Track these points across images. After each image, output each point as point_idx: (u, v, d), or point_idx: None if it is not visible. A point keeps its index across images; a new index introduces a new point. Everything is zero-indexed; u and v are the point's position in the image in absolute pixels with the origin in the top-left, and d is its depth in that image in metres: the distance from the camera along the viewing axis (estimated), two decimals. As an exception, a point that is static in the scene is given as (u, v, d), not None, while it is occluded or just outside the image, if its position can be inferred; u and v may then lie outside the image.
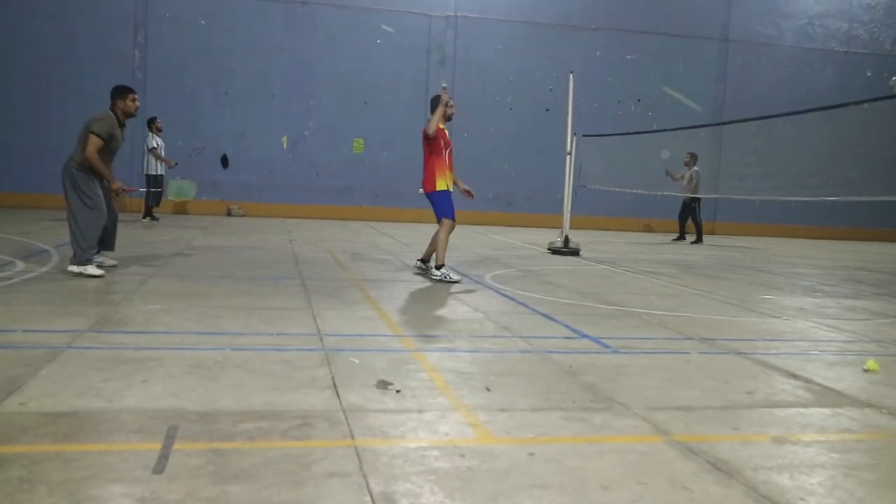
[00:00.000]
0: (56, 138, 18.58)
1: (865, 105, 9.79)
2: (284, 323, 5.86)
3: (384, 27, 19.94)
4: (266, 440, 3.25)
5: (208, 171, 17.51)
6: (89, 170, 7.73)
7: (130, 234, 12.50)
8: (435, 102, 8.88)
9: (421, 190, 8.95)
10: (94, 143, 7.71)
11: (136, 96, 8.32)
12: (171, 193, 9.57)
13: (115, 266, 8.20)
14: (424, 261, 9.23)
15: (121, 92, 8.20)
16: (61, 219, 8.66)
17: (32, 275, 7.61)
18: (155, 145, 15.67)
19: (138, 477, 2.79)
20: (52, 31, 18.57)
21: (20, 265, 8.19)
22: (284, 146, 20.03)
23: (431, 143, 8.75)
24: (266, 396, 3.86)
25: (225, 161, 16.28)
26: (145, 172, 15.76)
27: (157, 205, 15.93)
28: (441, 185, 8.80)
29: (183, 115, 19.04)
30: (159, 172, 15.76)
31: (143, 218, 15.58)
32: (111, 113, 8.09)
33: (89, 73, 18.71)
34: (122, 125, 8.20)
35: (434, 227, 8.96)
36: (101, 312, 5.84)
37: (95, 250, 7.89)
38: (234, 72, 19.58)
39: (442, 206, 8.86)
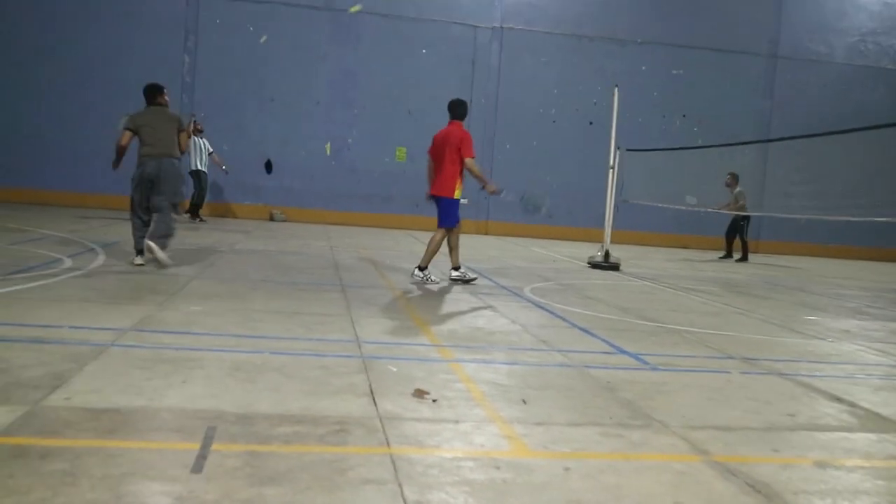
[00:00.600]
0: (103, 139, 19.00)
1: (918, 125, 9.62)
2: (323, 329, 5.90)
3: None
4: (302, 444, 3.27)
5: (252, 176, 17.73)
6: None
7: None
8: (464, 109, 9.54)
9: (465, 200, 9.16)
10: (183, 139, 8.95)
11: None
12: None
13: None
14: (422, 268, 9.11)
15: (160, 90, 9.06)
16: (110, 217, 8.90)
17: (80, 272, 7.75)
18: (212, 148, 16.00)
19: (176, 475, 2.82)
20: (102, 33, 18.90)
21: (68, 262, 8.35)
22: (328, 153, 20.17)
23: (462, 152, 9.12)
24: (303, 401, 3.88)
25: (269, 166, 16.49)
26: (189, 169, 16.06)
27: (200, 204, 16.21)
28: (458, 193, 9.17)
29: (229, 119, 19.27)
30: (202, 168, 16.10)
31: (193, 217, 16.01)
32: None
33: (139, 76, 18.93)
34: None
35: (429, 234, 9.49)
36: (144, 312, 5.93)
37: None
38: (280, 78, 19.79)
39: (453, 213, 9.18)
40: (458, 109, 9.42)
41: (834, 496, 3.17)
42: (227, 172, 16.78)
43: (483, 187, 9.86)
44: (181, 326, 5.56)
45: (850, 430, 4.21)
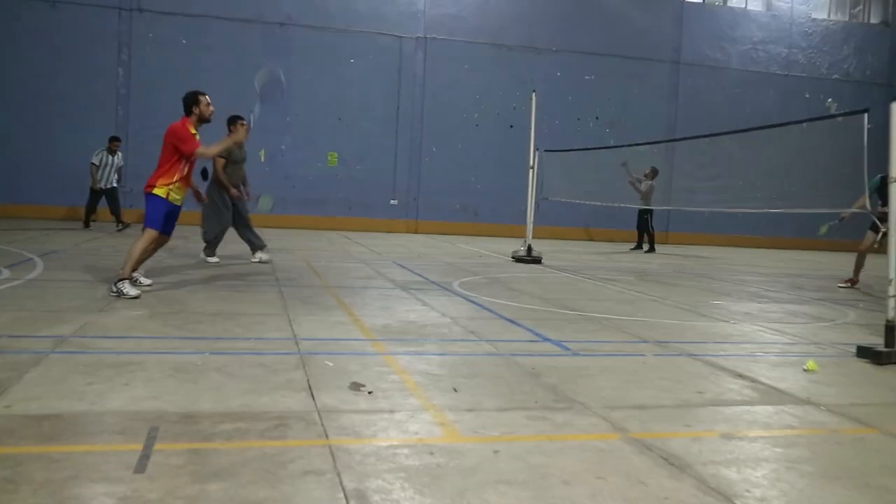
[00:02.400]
0: (43, 153, 18.43)
1: (805, 124, 9.94)
2: (262, 328, 5.82)
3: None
4: (244, 440, 3.22)
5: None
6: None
7: (111, 242, 12.35)
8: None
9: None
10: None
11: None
12: (260, 205, 10.78)
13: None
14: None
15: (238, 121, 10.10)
16: (46, 228, 8.65)
17: (18, 282, 7.48)
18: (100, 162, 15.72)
19: (120, 476, 2.75)
20: (36, 47, 18.33)
21: (5, 273, 8.04)
22: (262, 159, 19.89)
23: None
24: (244, 398, 3.83)
25: (204, 174, 16.12)
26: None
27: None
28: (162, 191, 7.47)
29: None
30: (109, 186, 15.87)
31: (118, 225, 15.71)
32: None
33: (75, 89, 18.54)
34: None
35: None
36: (84, 319, 5.75)
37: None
38: (215, 89, 19.16)
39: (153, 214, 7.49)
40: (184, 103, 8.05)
41: (738, 465, 3.26)
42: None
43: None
44: (122, 331, 5.43)
45: (751, 403, 4.33)
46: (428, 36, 20.90)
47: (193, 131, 7.72)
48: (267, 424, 3.44)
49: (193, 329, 5.63)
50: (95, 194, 15.76)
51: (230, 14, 19.51)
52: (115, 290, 6.86)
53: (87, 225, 15.84)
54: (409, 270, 10.42)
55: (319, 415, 3.62)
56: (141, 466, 2.85)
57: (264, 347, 5.11)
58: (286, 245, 13.91)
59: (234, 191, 10.30)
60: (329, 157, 20.24)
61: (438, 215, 20.91)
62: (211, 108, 8.16)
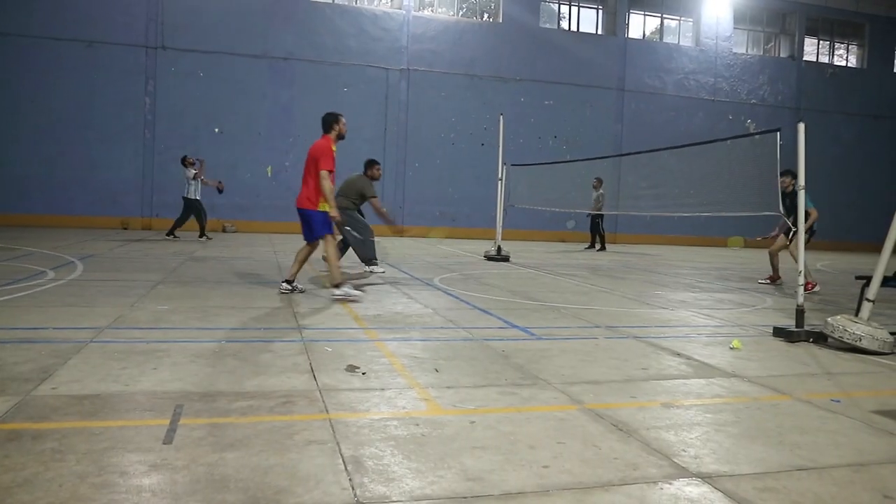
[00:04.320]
0: (80, 170, 18.24)
1: (728, 142, 10.04)
2: (270, 320, 5.79)
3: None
4: (256, 415, 3.21)
5: (207, 196, 17.15)
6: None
7: (141, 248, 12.23)
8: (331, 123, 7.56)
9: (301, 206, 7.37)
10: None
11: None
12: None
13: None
14: (290, 281, 7.42)
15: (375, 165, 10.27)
16: (84, 237, 8.52)
17: (61, 282, 7.40)
18: (192, 175, 14.94)
19: (151, 447, 2.74)
20: (74, 80, 18.24)
21: (51, 274, 7.95)
22: (269, 174, 19.82)
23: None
24: (256, 380, 3.81)
25: (220, 188, 16.02)
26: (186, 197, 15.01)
27: (180, 225, 15.23)
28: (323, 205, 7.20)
29: (186, 150, 18.58)
30: (198, 197, 15.06)
31: (200, 237, 14.93)
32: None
33: (108, 117, 18.41)
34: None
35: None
36: (117, 313, 5.70)
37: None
38: (228, 114, 19.33)
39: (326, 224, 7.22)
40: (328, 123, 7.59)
41: (676, 429, 3.30)
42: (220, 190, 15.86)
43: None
44: (150, 323, 5.38)
45: (686, 377, 4.38)
46: (410, 68, 20.87)
47: (334, 148, 7.43)
48: (275, 402, 3.43)
49: (212, 321, 5.59)
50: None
51: (241, 50, 19.40)
52: (339, 294, 6.94)
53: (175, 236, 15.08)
54: (396, 269, 10.41)
55: (321, 393, 3.62)
56: (168, 438, 2.84)
57: (272, 336, 5.09)
58: (290, 248, 13.82)
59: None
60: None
61: (421, 221, 20.89)
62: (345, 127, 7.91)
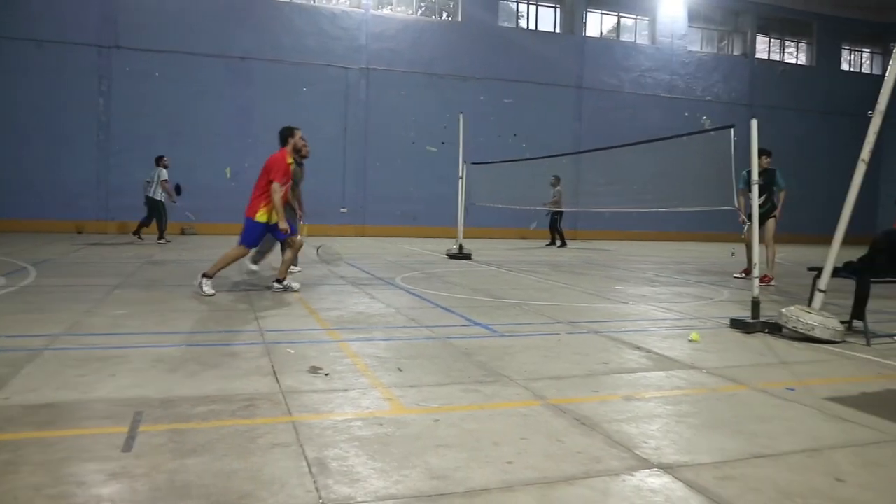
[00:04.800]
0: (32, 174, 17.75)
1: (684, 138, 10.23)
2: (231, 322, 5.71)
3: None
4: (218, 420, 3.16)
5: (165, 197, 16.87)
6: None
7: (97, 252, 11.96)
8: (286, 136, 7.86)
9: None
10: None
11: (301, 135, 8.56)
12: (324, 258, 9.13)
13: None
14: (280, 280, 7.67)
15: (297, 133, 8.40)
16: (37, 243, 8.29)
17: (13, 289, 7.19)
18: (166, 178, 14.90)
19: (109, 455, 2.68)
20: (28, 84, 17.83)
21: (2, 280, 7.72)
22: (228, 176, 19.56)
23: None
24: (217, 383, 3.76)
25: (178, 189, 15.75)
26: (152, 198, 14.89)
27: (147, 226, 15.18)
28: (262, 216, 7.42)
29: (142, 151, 18.37)
30: (163, 199, 15.00)
31: (159, 239, 14.90)
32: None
33: (61, 118, 17.97)
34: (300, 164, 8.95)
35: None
36: (73, 319, 5.56)
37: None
38: (185, 115, 19.02)
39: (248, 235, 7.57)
40: (282, 137, 7.92)
41: (637, 421, 3.34)
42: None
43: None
44: (108, 329, 5.26)
45: (647, 370, 4.44)
46: (370, 67, 20.80)
47: (290, 161, 7.73)
48: (238, 405, 3.38)
49: (172, 325, 5.49)
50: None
51: (197, 50, 19.11)
52: (280, 287, 7.44)
53: (161, 237, 15.06)
54: (358, 269, 10.36)
55: (283, 395, 3.58)
56: (128, 446, 2.78)
57: (234, 339, 5.02)
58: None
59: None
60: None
61: (383, 220, 20.82)
62: (304, 143, 8.48)
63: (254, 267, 8.95)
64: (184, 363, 4.19)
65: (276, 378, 3.91)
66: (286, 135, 7.89)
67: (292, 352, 4.62)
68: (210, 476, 2.51)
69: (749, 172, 6.69)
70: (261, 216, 7.39)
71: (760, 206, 9.67)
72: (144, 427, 3.02)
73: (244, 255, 7.67)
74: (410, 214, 21.26)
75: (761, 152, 9.89)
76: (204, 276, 7.24)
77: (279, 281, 7.63)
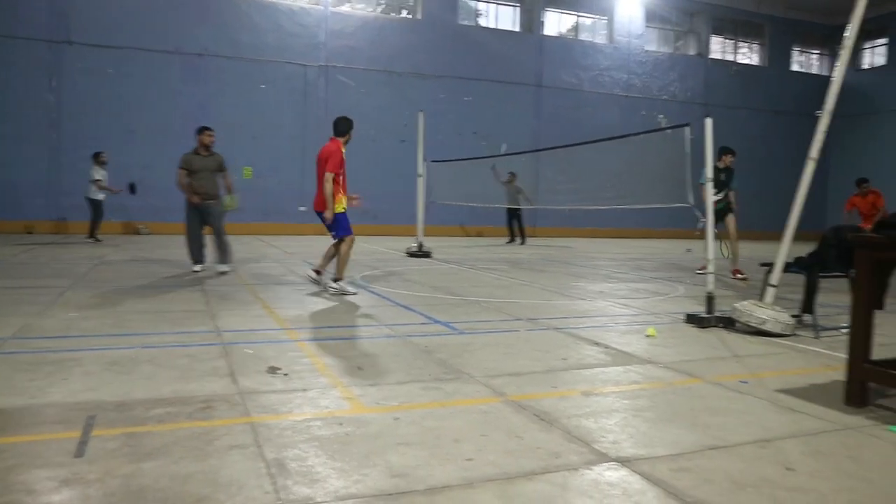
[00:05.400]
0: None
1: (641, 136, 10.39)
2: (188, 323, 5.61)
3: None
4: (175, 422, 3.11)
5: (118, 197, 16.46)
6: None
7: (49, 253, 11.64)
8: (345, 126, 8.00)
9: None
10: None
11: (209, 132, 9.33)
12: (226, 205, 9.20)
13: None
14: (318, 272, 7.98)
15: (197, 130, 9.32)
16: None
17: (-43, 292, 6.96)
18: (99, 177, 14.67)
19: (61, 462, 2.62)
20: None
21: (-55, 284, 7.47)
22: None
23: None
24: (174, 385, 3.70)
25: (132, 188, 15.40)
26: (89, 198, 14.75)
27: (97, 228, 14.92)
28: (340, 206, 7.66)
29: (95, 149, 17.94)
30: (100, 198, 14.79)
31: (88, 238, 14.68)
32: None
33: (9, 115, 17.41)
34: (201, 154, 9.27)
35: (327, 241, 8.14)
36: (23, 322, 5.40)
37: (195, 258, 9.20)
38: (141, 113, 18.58)
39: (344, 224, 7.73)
40: (340, 127, 8.05)
41: (596, 416, 3.39)
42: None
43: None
44: (60, 332, 5.13)
45: (605, 365, 4.50)
46: (329, 64, 20.63)
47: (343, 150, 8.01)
48: (195, 407, 3.33)
49: (126, 327, 5.38)
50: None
51: (152, 46, 18.69)
52: (334, 288, 7.42)
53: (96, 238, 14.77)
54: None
55: (242, 396, 3.54)
56: (80, 451, 2.72)
57: (190, 340, 4.93)
58: (208, 249, 13.45)
59: (194, 197, 9.16)
60: (244, 171, 19.69)
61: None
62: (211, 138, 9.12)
63: (196, 268, 9.16)
64: (139, 365, 4.11)
65: (234, 379, 3.86)
66: (344, 127, 8.08)
67: (250, 352, 4.56)
68: (166, 480, 2.47)
69: (717, 169, 6.83)
70: (339, 207, 7.64)
71: (718, 202, 9.86)
72: (98, 431, 2.95)
73: (352, 242, 7.87)
74: (370, 213, 21.13)
75: (726, 151, 10.12)
76: (336, 280, 7.55)
77: (336, 280, 7.61)
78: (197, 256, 9.26)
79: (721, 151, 10.17)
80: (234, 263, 9.71)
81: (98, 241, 14.57)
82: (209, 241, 9.42)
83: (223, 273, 9.02)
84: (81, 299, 6.66)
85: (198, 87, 19.29)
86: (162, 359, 4.30)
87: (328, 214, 7.57)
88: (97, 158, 14.87)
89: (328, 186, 7.51)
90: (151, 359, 4.28)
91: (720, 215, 10.02)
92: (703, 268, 10.90)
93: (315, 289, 7.88)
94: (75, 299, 6.66)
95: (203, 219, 9.29)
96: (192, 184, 9.14)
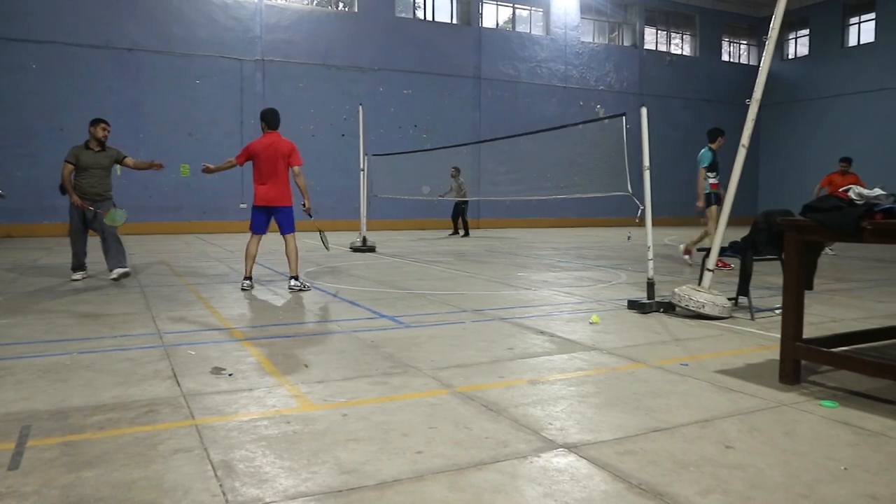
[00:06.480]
0: None
1: (580, 126, 10.53)
2: (127, 326, 5.45)
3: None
4: (116, 428, 3.02)
5: (49, 198, 15.86)
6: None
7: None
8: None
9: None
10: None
11: (104, 125, 8.47)
12: (108, 219, 8.15)
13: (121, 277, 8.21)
14: (296, 277, 7.61)
15: (91, 123, 8.44)
16: None
17: None
18: None
19: (-6, 475, 2.51)
20: None
21: None
22: (118, 172, 18.54)
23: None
24: (114, 391, 3.59)
25: (63, 188, 14.85)
26: None
27: None
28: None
29: (23, 148, 17.27)
30: None
31: None
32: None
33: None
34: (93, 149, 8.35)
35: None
36: (-53, 331, 5.16)
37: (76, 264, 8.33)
38: (70, 110, 17.88)
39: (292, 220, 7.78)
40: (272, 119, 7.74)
41: (543, 404, 3.43)
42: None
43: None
44: (-13, 339, 4.91)
45: (550, 354, 4.56)
46: (265, 58, 20.27)
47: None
48: (137, 412, 3.24)
49: (60, 332, 5.19)
50: None
51: (79, 41, 18.03)
52: (298, 285, 7.40)
53: None
54: (260, 265, 10.11)
55: (185, 399, 3.46)
56: (14, 463, 2.61)
57: (130, 343, 4.80)
58: (146, 249, 13.11)
59: (76, 199, 8.18)
60: (182, 169, 19.22)
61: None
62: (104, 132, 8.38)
63: (76, 276, 8.32)
64: (76, 371, 3.97)
65: (177, 381, 3.77)
66: (278, 118, 7.87)
67: (193, 353, 4.46)
68: (108, 488, 2.40)
69: (711, 150, 6.89)
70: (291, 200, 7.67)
71: (719, 184, 9.77)
72: (33, 441, 2.84)
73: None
74: (312, 208, 20.95)
75: (718, 133, 10.18)
76: (294, 278, 7.53)
77: (296, 278, 7.58)
78: (78, 262, 8.34)
79: (717, 133, 10.10)
80: (144, 265, 9.44)
81: None
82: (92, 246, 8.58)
83: (121, 277, 8.14)
84: (11, 306, 6.40)
85: (129, 83, 18.72)
86: (100, 363, 4.17)
87: (309, 204, 7.81)
88: None
89: (303, 180, 7.75)
90: (89, 364, 4.15)
91: (717, 198, 9.75)
92: (688, 252, 10.89)
93: (259, 287, 7.75)
94: (4, 306, 6.38)
95: (87, 221, 8.29)
96: (78, 182, 8.19)
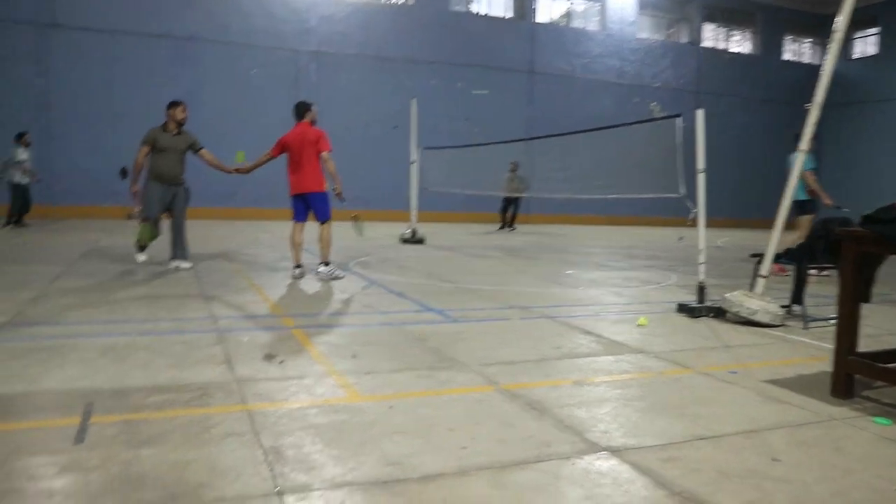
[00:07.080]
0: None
1: (634, 125, 10.42)
2: (183, 309, 5.63)
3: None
4: (171, 409, 3.14)
5: (108, 183, 16.40)
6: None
7: (34, 237, 11.60)
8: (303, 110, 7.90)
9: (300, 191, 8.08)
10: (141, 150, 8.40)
11: (183, 107, 8.58)
12: (355, 229, 8.63)
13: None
14: (327, 263, 7.81)
15: (169, 105, 8.58)
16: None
17: (-51, 277, 6.94)
18: (23, 159, 13.74)
19: (61, 448, 2.65)
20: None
21: (-64, 269, 7.45)
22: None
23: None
24: (170, 373, 3.72)
25: (124, 173, 15.29)
26: (11, 182, 13.72)
27: (26, 212, 13.99)
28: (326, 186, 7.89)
29: (85, 133, 17.87)
30: (24, 183, 13.82)
31: (6, 225, 13.58)
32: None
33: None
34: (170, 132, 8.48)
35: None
36: (16, 309, 5.40)
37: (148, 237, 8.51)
38: (129, 97, 18.44)
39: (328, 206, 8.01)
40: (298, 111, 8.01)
41: (587, 405, 3.44)
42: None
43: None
44: (54, 318, 5.13)
45: (596, 355, 4.55)
46: (320, 50, 20.53)
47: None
48: (191, 395, 3.36)
49: (121, 313, 5.39)
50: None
51: (141, 30, 18.56)
52: (328, 272, 7.57)
53: (16, 223, 13.76)
54: (311, 253, 10.27)
55: (238, 384, 3.57)
56: (79, 438, 2.75)
57: (186, 327, 4.95)
58: (201, 234, 13.45)
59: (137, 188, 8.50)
60: (237, 156, 19.61)
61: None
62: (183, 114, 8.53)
63: (141, 257, 8.59)
64: (135, 352, 4.13)
65: (230, 366, 3.89)
66: (304, 109, 8.03)
67: (246, 339, 4.59)
68: (165, 467, 2.51)
69: (807, 153, 6.67)
70: (326, 186, 7.87)
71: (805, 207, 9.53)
72: (96, 418, 2.98)
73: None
74: (363, 199, 21.14)
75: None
76: (325, 264, 7.73)
77: (326, 264, 7.77)
78: (154, 233, 8.53)
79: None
80: (224, 251, 9.69)
81: (24, 225, 13.74)
82: (166, 231, 8.69)
83: (180, 269, 8.12)
84: (74, 286, 6.65)
85: (187, 72, 19.18)
86: (157, 346, 4.32)
87: (339, 189, 7.94)
88: (21, 139, 13.83)
89: (332, 165, 7.89)
90: (147, 346, 4.31)
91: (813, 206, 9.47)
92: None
93: (310, 276, 7.89)
94: (68, 286, 6.64)
95: (166, 204, 8.45)
96: (156, 164, 8.35)
